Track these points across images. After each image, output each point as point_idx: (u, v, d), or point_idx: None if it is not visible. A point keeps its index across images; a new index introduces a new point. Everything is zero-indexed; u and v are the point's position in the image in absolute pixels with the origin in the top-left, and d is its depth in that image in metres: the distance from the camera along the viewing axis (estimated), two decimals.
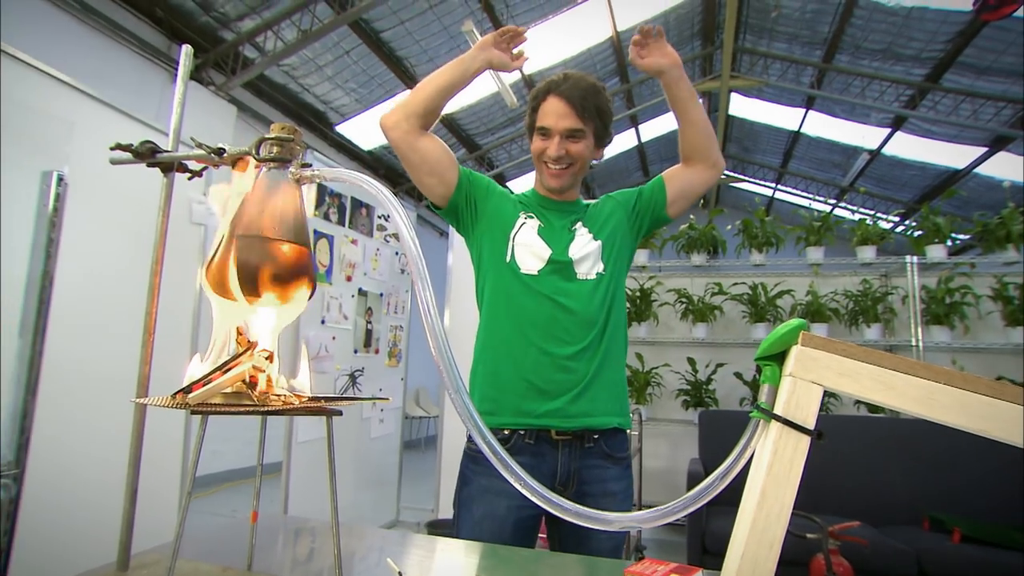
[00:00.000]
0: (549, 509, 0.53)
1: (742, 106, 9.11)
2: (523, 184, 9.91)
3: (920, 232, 3.79)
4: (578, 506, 0.52)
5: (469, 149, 8.42)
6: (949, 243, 3.72)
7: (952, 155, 8.15)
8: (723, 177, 11.57)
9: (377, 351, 3.59)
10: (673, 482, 3.95)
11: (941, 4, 5.79)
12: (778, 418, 0.49)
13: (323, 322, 3.08)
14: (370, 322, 3.52)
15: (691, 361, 3.88)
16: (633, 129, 9.40)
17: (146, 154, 0.71)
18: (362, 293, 3.44)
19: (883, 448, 3.13)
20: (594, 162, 1.39)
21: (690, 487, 2.88)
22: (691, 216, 4.14)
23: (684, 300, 3.92)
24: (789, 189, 11.45)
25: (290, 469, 2.76)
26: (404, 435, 3.98)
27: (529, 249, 1.28)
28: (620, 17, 6.70)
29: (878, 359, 0.48)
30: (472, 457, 1.28)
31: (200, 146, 0.67)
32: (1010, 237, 3.59)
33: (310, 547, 0.99)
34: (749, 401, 3.81)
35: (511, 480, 0.53)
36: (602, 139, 1.33)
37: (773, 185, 11.54)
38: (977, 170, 8.10)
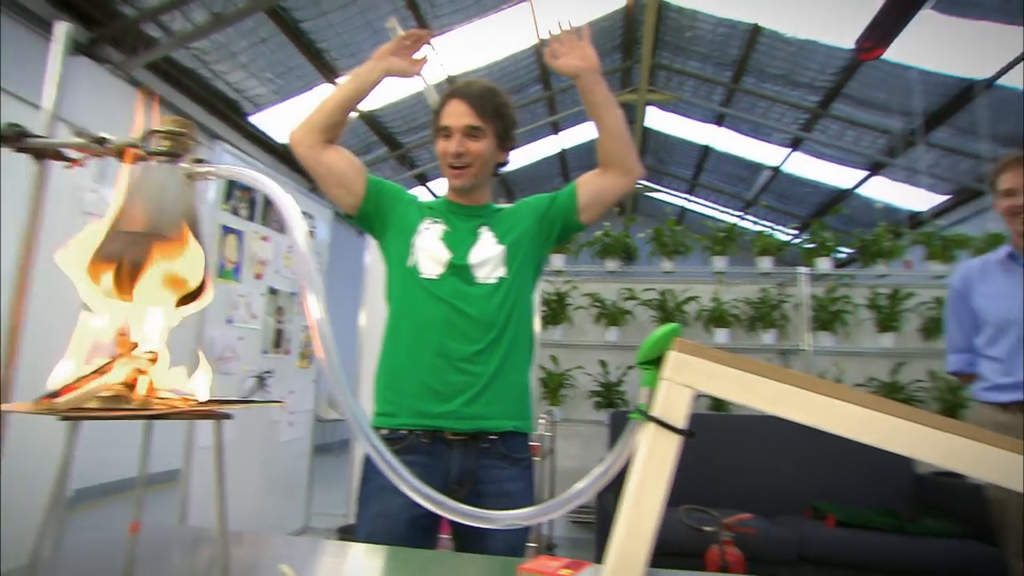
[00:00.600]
0: (431, 507, 0.54)
1: (658, 119, 9.53)
2: (444, 185, 9.88)
3: (812, 245, 4.12)
4: (461, 505, 0.54)
5: (391, 147, 8.28)
6: (836, 256, 4.08)
7: (840, 176, 8.92)
8: (639, 186, 12.05)
9: (288, 352, 3.46)
10: (582, 476, 4.06)
11: (828, 40, 6.34)
12: (653, 419, 0.53)
13: (230, 321, 2.94)
14: (281, 322, 3.39)
15: (603, 363, 4.01)
16: (555, 136, 9.61)
17: (13, 138, 0.65)
18: (273, 292, 3.31)
19: (775, 445, 3.37)
20: (501, 168, 1.43)
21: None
22: (606, 223, 4.29)
23: (598, 304, 4.05)
24: (700, 200, 12.10)
25: (190, 476, 2.61)
26: (316, 439, 3.86)
27: (429, 254, 1.30)
28: (544, 25, 6.83)
29: (741, 364, 0.53)
30: (368, 457, 1.28)
31: (79, 134, 0.63)
32: (881, 253, 3.98)
33: (199, 558, 0.95)
34: None
35: (391, 477, 0.54)
36: (504, 141, 1.36)
37: (686, 196, 12.15)
38: (858, 191, 8.91)
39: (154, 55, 4.92)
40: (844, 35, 5.79)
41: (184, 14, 4.91)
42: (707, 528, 2.46)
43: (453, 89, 1.34)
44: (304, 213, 3.62)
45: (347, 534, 3.35)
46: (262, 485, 3.20)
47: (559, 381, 3.94)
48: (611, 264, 4.10)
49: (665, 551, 2.68)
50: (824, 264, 4.04)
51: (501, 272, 1.31)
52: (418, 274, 1.29)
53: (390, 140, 8.16)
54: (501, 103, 1.34)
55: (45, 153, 0.66)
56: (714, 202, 11.86)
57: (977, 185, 6.90)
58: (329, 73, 6.34)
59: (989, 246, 3.89)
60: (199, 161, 0.66)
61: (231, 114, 6.46)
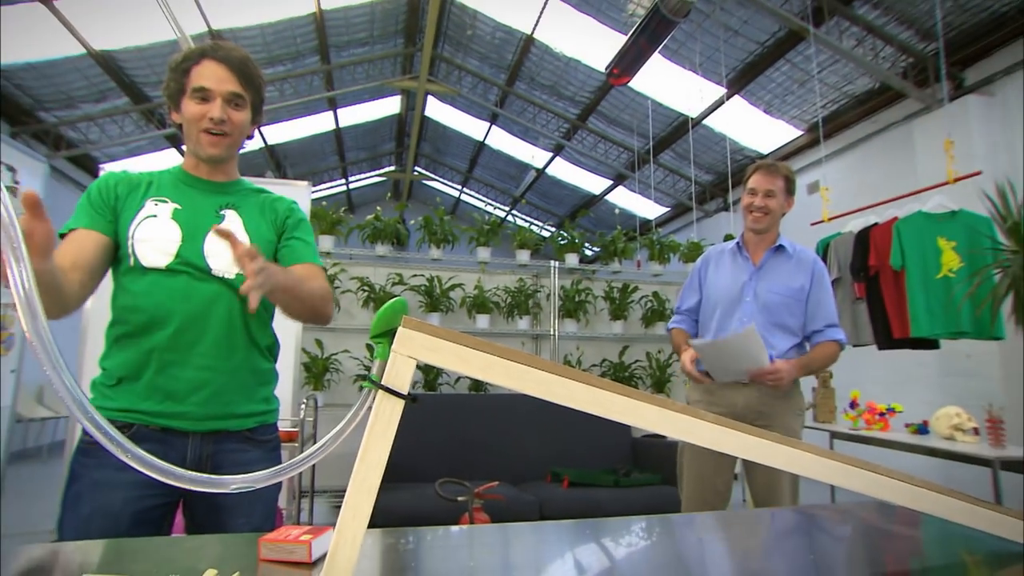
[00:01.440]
0: (159, 477, 0.53)
1: (438, 110, 9.75)
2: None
3: (563, 242, 4.66)
4: (191, 472, 0.54)
5: (134, 99, 7.09)
6: (582, 253, 4.68)
7: (592, 182, 10.17)
8: (415, 174, 12.16)
9: None
10: (349, 464, 4.04)
11: (588, 61, 7.20)
12: (381, 386, 0.60)
13: None
14: None
15: (370, 348, 4.02)
16: (331, 112, 9.20)
17: None
18: None
19: (524, 420, 3.77)
20: (248, 139, 1.31)
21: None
22: (377, 207, 4.30)
23: (366, 288, 4.05)
24: (473, 192, 12.71)
25: None
26: (14, 443, 3.18)
27: (153, 243, 1.16)
28: None
29: (457, 339, 0.62)
30: (83, 451, 1.13)
31: None
32: (617, 252, 4.69)
33: None
34: (420, 384, 4.15)
35: (114, 451, 0.52)
36: (257, 115, 1.28)
37: (459, 187, 12.65)
38: (607, 197, 10.28)
39: None
40: (599, 60, 6.62)
41: None
42: (460, 498, 2.65)
43: (207, 48, 1.20)
44: (4, 165, 2.95)
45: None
46: None
47: (324, 366, 3.85)
48: (381, 249, 4.13)
49: (420, 523, 2.83)
50: (572, 259, 4.61)
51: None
52: (140, 265, 1.15)
53: (133, 91, 6.98)
54: (259, 75, 1.25)
55: None
56: (485, 195, 12.56)
57: (687, 202, 8.46)
58: None
59: (691, 251, 4.84)
60: None
61: None
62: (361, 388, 0.63)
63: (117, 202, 1.19)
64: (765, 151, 7.36)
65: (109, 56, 6.29)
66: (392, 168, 12.43)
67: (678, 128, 7.63)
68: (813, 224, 4.23)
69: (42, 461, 6.30)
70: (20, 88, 6.28)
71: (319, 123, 9.41)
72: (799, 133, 6.77)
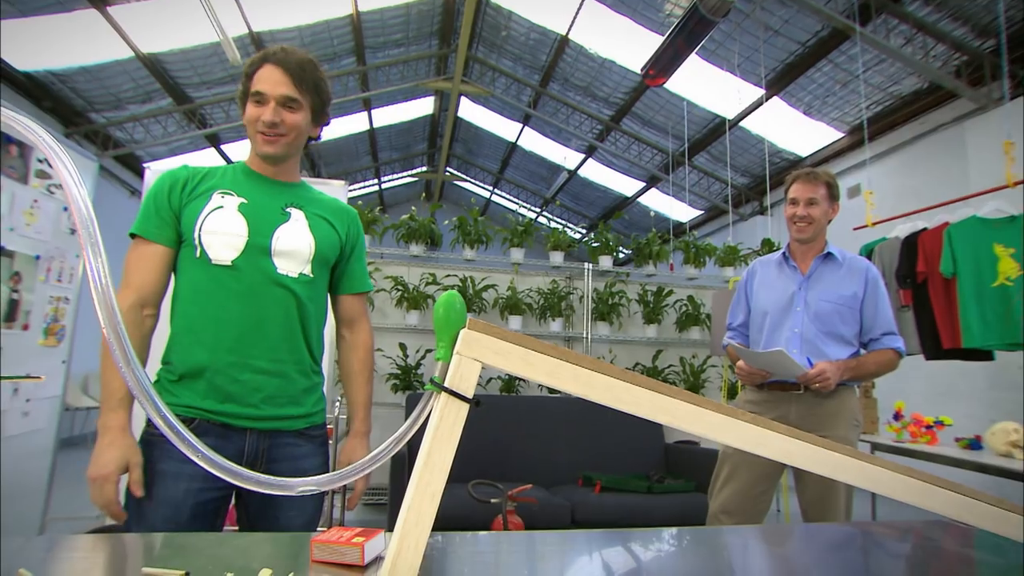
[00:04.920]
0: (228, 479, 0.53)
1: (470, 111, 9.78)
2: (241, 150, 8.97)
3: (596, 244, 4.62)
4: (258, 474, 0.54)
5: (177, 100, 7.28)
6: (616, 255, 4.63)
7: (624, 184, 10.08)
8: (447, 174, 12.25)
9: (27, 327, 2.88)
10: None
11: (623, 62, 7.13)
12: (445, 389, 0.59)
13: None
14: (17, 291, 2.81)
15: (402, 346, 4.05)
16: (366, 113, 9.32)
17: None
18: (6, 253, 2.73)
19: (554, 424, 3.74)
20: (313, 141, 1.36)
21: (394, 466, 2.99)
22: (412, 208, 4.32)
23: (400, 288, 4.07)
24: (504, 193, 12.72)
25: None
26: (63, 430, 3.28)
27: (220, 237, 1.19)
28: None
29: (523, 342, 0.61)
30: (147, 442, 1.16)
31: None
32: (651, 255, 4.63)
33: None
34: None
35: (186, 451, 0.52)
36: (319, 116, 1.30)
37: (491, 188, 12.67)
38: (639, 199, 10.17)
39: None
40: (635, 61, 6.55)
41: None
42: (493, 500, 2.64)
43: (269, 53, 1.23)
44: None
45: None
46: None
47: None
48: (415, 248, 4.15)
49: (453, 524, 2.82)
50: (606, 262, 4.56)
51: (305, 269, 1.24)
52: (208, 260, 1.18)
53: (176, 91, 7.17)
54: (320, 78, 1.26)
55: None
56: (516, 196, 12.56)
57: (722, 205, 8.32)
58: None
59: (727, 255, 4.75)
60: None
61: None
62: (424, 389, 0.62)
63: (181, 198, 1.22)
64: (804, 154, 7.19)
65: (155, 59, 6.47)
66: (424, 169, 12.52)
67: (714, 130, 7.51)
68: (856, 229, 4.11)
69: (87, 448, 6.51)
70: (74, 91, 6.51)
71: (354, 123, 9.53)
72: (840, 135, 6.60)
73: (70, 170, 0.50)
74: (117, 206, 7.12)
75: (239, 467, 0.53)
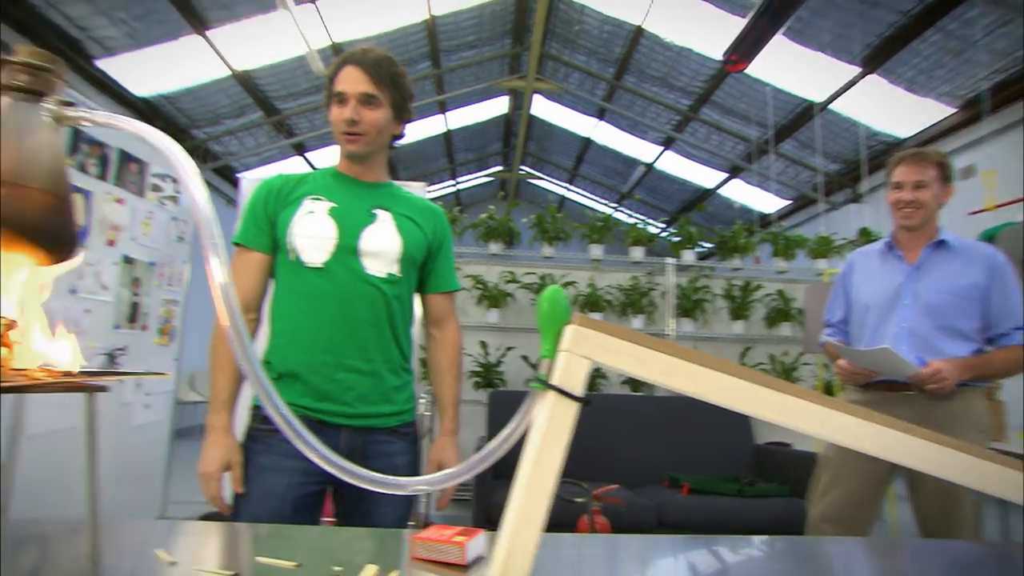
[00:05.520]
0: (341, 476, 0.53)
1: (544, 108, 9.75)
2: (325, 157, 9.39)
3: (678, 238, 4.47)
4: (371, 472, 0.54)
5: (267, 112, 7.72)
6: (697, 249, 4.46)
7: (704, 176, 9.72)
8: (522, 172, 12.27)
9: (145, 327, 3.14)
10: (463, 459, 4.13)
11: (701, 49, 6.86)
12: (553, 387, 0.57)
13: (74, 292, 2.61)
14: (137, 294, 3.07)
15: (483, 344, 4.08)
16: (442, 115, 9.50)
17: None
18: (128, 261, 2.98)
19: (639, 421, 3.65)
20: (397, 141, 1.37)
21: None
22: (490, 207, 4.35)
23: (480, 286, 4.11)
24: (579, 190, 12.60)
25: (15, 464, 2.30)
26: (175, 422, 3.56)
27: (312, 240, 1.23)
28: (436, 1, 6.70)
29: (635, 338, 0.58)
30: (252, 436, 1.24)
31: None
32: (737, 248, 4.42)
33: (61, 552, 0.85)
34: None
35: (302, 448, 0.53)
36: (401, 111, 1.31)
37: (566, 185, 12.59)
38: (720, 191, 9.78)
39: None
40: (714, 47, 6.29)
41: None
42: (578, 499, 2.61)
43: (348, 55, 1.27)
44: (166, 176, 3.29)
45: (208, 521, 3.14)
46: (109, 474, 2.90)
47: None
48: (494, 247, 4.17)
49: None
50: (688, 256, 4.41)
51: (394, 269, 1.26)
52: (301, 263, 1.23)
53: (266, 104, 7.60)
54: (398, 73, 1.29)
55: None
56: (592, 192, 12.41)
57: (812, 193, 7.84)
58: (198, 24, 5.75)
59: (820, 246, 4.46)
60: (66, 104, 0.59)
61: (73, 55, 5.64)
62: (530, 388, 0.60)
63: (277, 205, 1.27)
64: (905, 135, 6.63)
65: (247, 75, 6.89)
66: (499, 168, 12.62)
67: (801, 114, 7.08)
68: (972, 213, 3.74)
69: (195, 440, 7.05)
70: (179, 110, 7.06)
71: (430, 126, 9.75)
72: (951, 111, 6.03)
73: (188, 170, 0.52)
74: (217, 213, 7.65)
75: (356, 466, 0.53)
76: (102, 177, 2.79)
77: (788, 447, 3.63)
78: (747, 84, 7.02)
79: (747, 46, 5.19)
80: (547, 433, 0.56)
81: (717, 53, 5.98)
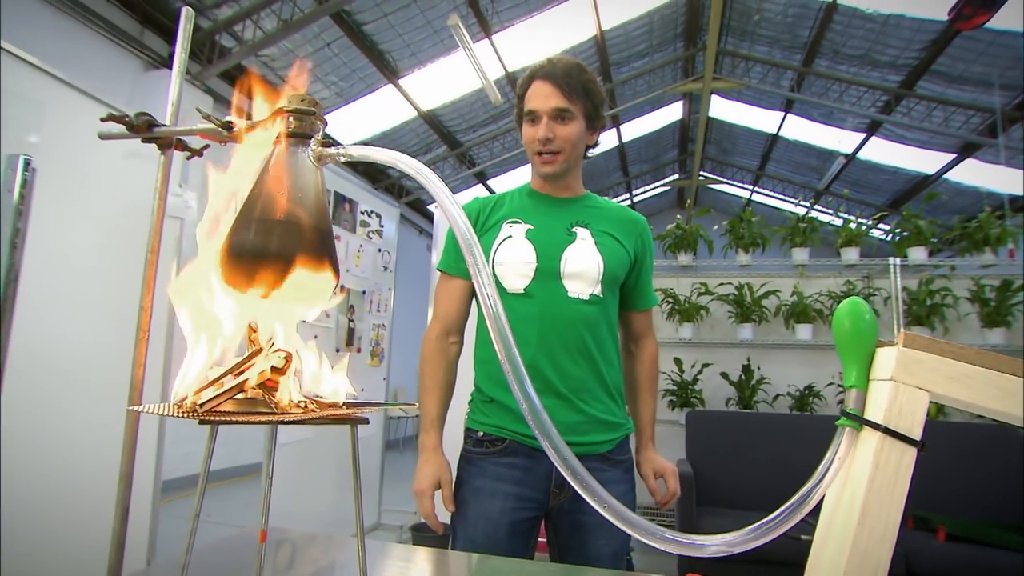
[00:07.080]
0: (630, 531, 0.47)
1: (722, 108, 9.19)
2: (503, 183, 9.83)
3: (904, 234, 3.83)
4: (665, 530, 0.46)
5: (450, 146, 8.32)
6: (933, 246, 3.77)
7: (923, 160, 8.34)
8: (701, 178, 11.68)
9: (359, 350, 3.49)
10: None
11: (917, 12, 5.90)
12: (878, 427, 0.44)
13: (305, 320, 2.97)
14: (352, 320, 3.42)
15: (678, 361, 3.86)
16: (615, 129, 9.42)
17: (142, 127, 0.62)
18: (343, 290, 3.34)
19: None
20: (592, 151, 1.30)
21: (682, 488, 2.81)
22: (678, 216, 4.14)
23: (670, 300, 3.90)
24: (766, 191, 11.61)
25: (272, 476, 2.65)
26: (385, 435, 3.89)
27: (511, 267, 1.20)
28: (605, 16, 6.68)
29: (994, 362, 0.43)
30: (466, 459, 1.25)
31: (208, 118, 0.59)
32: (987, 240, 3.65)
33: (322, 561, 0.91)
34: (735, 401, 3.81)
35: (594, 504, 0.47)
36: (594, 121, 1.24)
37: (750, 187, 11.68)
38: (947, 175, 8.30)
39: (227, 63, 5.08)
40: (935, 5, 5.38)
41: (255, 23, 5.05)
42: (804, 537, 2.29)
43: (537, 68, 1.22)
44: (372, 212, 3.64)
45: (420, 532, 3.35)
46: (336, 484, 3.23)
47: None
48: (683, 258, 3.94)
49: (766, 560, 2.53)
50: (918, 255, 3.74)
51: (595, 289, 1.21)
52: (503, 291, 1.21)
53: (449, 139, 8.19)
54: (589, 80, 1.21)
55: (170, 142, 0.63)
56: (781, 192, 11.36)
57: None
58: (391, 73, 6.40)
59: None
60: (327, 144, 0.61)
61: None
62: (836, 425, 0.48)
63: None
64: None
65: (432, 114, 7.48)
66: (676, 176, 12.16)
67: None
68: None
69: (399, 451, 7.73)
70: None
71: (604, 141, 9.70)
72: None
73: (446, 195, 0.50)
74: (410, 244, 8.40)
75: (644, 520, 0.46)
76: None
77: None
78: (986, 42, 5.86)
79: None
80: (875, 487, 0.44)
81: (940, 12, 5.09)
